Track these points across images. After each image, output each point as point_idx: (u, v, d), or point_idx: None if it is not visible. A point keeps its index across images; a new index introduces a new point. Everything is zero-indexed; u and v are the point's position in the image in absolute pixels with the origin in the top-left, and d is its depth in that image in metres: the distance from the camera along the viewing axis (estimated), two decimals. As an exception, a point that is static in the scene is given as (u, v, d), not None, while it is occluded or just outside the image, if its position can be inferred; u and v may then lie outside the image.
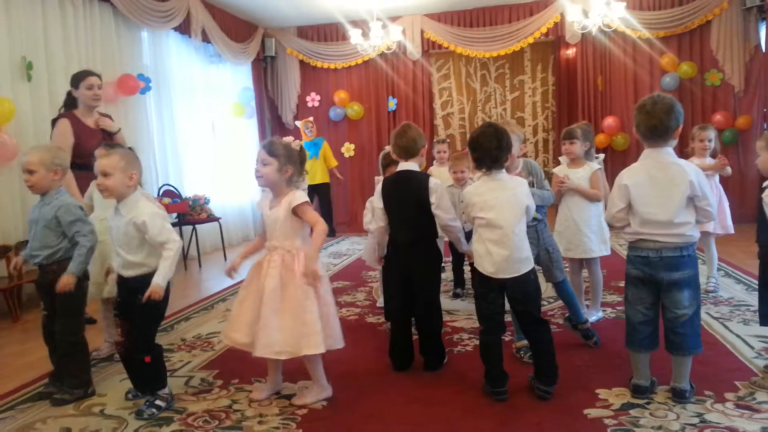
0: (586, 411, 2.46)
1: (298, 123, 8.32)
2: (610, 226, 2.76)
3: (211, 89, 7.88)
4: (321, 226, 2.60)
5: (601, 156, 5.43)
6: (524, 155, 3.26)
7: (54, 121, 3.95)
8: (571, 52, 8.46)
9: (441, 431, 2.37)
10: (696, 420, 2.34)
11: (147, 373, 2.68)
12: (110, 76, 5.78)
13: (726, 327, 3.48)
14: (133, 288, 2.60)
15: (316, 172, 8.07)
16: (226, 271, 2.79)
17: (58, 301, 2.75)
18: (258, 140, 8.71)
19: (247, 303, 2.64)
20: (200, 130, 7.51)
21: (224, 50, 7.72)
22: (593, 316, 3.67)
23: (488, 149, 2.59)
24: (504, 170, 2.67)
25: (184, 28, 6.96)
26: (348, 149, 9.12)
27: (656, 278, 2.47)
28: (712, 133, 4.29)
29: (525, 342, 2.98)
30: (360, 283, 5.20)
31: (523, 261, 2.57)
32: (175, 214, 6.42)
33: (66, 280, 2.67)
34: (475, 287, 2.75)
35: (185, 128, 7.16)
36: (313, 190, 8.10)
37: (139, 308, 2.56)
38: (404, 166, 3.05)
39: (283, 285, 2.56)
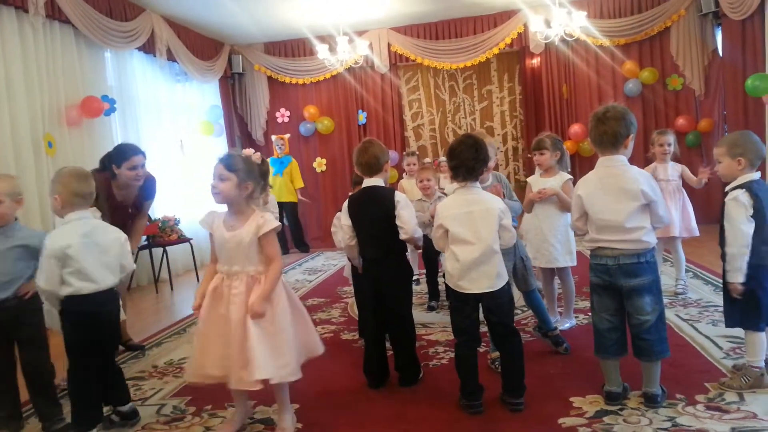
0: (560, 420, 2.47)
1: (273, 138, 8.30)
2: (577, 234, 2.79)
3: (179, 108, 7.81)
4: (278, 264, 2.48)
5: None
6: (495, 167, 3.27)
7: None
8: (535, 61, 8.58)
9: (417, 448, 2.36)
10: (668, 424, 2.37)
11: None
12: (73, 99, 5.69)
13: (695, 328, 3.54)
14: None
15: (277, 189, 8.03)
16: (196, 311, 2.57)
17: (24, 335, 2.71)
18: (228, 158, 8.63)
19: (212, 335, 2.47)
20: (168, 150, 7.42)
21: (190, 68, 7.66)
22: (566, 323, 3.70)
23: (465, 159, 2.59)
24: (479, 183, 2.68)
25: (148, 48, 6.89)
26: (320, 164, 9.11)
27: (616, 285, 2.51)
28: (671, 138, 4.39)
29: (500, 353, 2.98)
30: (335, 299, 5.16)
31: (499, 276, 2.57)
32: (144, 237, 6.31)
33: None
34: (450, 301, 2.75)
35: (153, 148, 7.02)
36: (281, 207, 8.07)
37: None
38: (369, 182, 3.03)
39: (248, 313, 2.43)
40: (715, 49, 7.78)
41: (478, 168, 2.61)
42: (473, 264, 2.54)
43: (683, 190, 4.40)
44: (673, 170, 4.40)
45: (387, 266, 3.00)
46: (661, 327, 2.51)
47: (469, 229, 2.56)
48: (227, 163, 2.46)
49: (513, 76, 9.01)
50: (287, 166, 8.14)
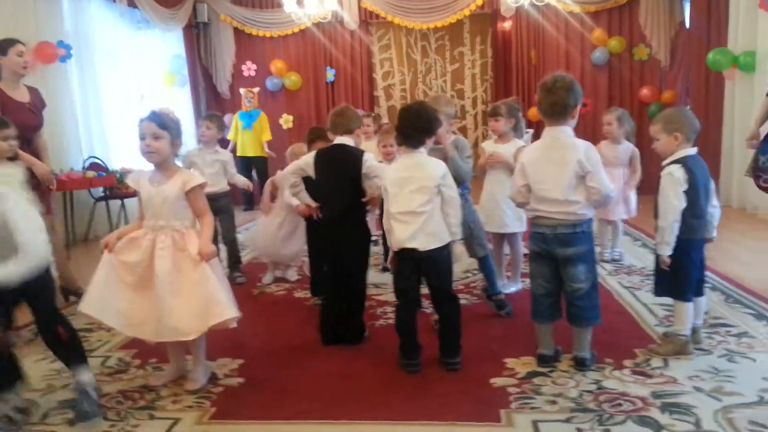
0: (492, 380, 2.57)
1: (242, 90, 8.13)
2: (515, 203, 2.83)
3: (140, 56, 7.58)
4: (209, 217, 2.57)
5: (530, 131, 5.52)
6: (453, 132, 3.28)
7: None
8: (507, 25, 8.54)
9: (353, 404, 2.43)
10: (593, 387, 2.48)
11: (69, 346, 2.48)
12: (27, 44, 5.47)
13: (634, 296, 3.67)
14: None
15: (247, 144, 7.93)
16: (101, 251, 2.53)
17: None
18: (192, 110, 8.46)
19: (116, 283, 2.48)
20: (128, 100, 7.24)
21: (152, 15, 7.42)
22: (512, 287, 3.80)
23: (404, 126, 2.65)
24: (422, 150, 2.69)
25: (108, -8, 6.65)
26: (286, 120, 9.00)
27: (552, 253, 2.58)
28: (610, 116, 4.35)
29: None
30: (292, 257, 5.18)
31: (431, 236, 2.61)
32: (101, 188, 6.22)
33: None
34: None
35: (111, 98, 6.89)
36: (250, 163, 7.99)
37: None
38: (340, 140, 3.08)
39: (176, 267, 2.47)
40: (683, 21, 7.84)
41: (415, 136, 2.65)
42: (405, 224, 2.61)
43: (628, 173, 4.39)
44: (622, 152, 4.32)
45: (347, 227, 3.03)
46: (593, 295, 2.61)
47: (405, 193, 2.62)
48: (159, 121, 2.48)
49: (485, 39, 8.96)
50: (256, 119, 8.02)
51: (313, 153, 3.13)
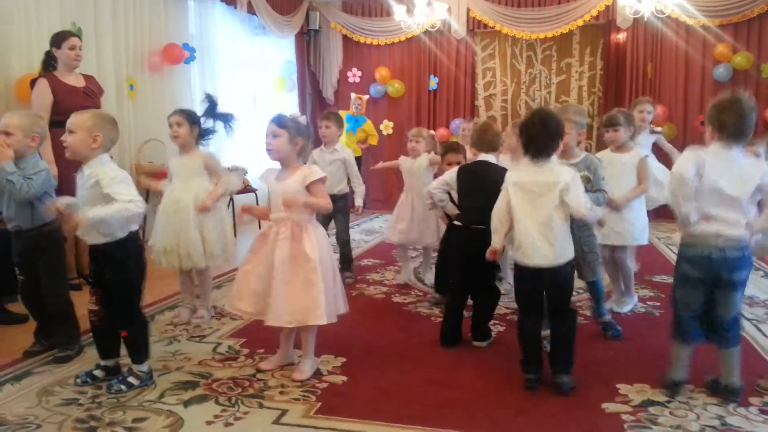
0: (604, 405, 2.45)
1: (352, 95, 8.30)
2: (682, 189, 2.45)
3: (254, 61, 7.93)
4: (329, 200, 2.71)
5: (660, 130, 5.20)
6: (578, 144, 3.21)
7: (33, 82, 4.06)
8: (621, 36, 8.20)
9: (456, 414, 2.40)
10: (716, 422, 2.31)
11: (127, 346, 2.66)
12: (156, 45, 5.89)
13: (759, 329, 3.40)
14: (101, 256, 2.57)
15: (349, 147, 8.09)
16: (239, 212, 2.85)
17: (42, 264, 2.87)
18: (298, 113, 8.77)
19: (253, 274, 2.68)
20: (242, 102, 7.59)
21: (269, 22, 7.75)
22: (628, 305, 3.65)
23: (535, 137, 2.56)
24: (552, 160, 2.59)
25: (230, -1, 7.01)
26: (387, 127, 9.10)
27: (716, 278, 2.39)
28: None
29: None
30: (389, 261, 5.22)
31: (557, 253, 2.51)
32: (213, 183, 6.55)
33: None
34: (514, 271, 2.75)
35: (227, 99, 7.21)
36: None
37: (110, 281, 2.57)
38: (484, 157, 3.22)
39: (292, 257, 2.61)
40: (822, 37, 7.20)
41: (551, 144, 2.55)
42: (530, 235, 2.51)
43: None
44: None
45: (483, 236, 3.01)
46: (740, 319, 2.49)
47: (527, 199, 2.55)
48: (278, 121, 2.67)
49: (596, 51, 8.63)
50: (361, 125, 8.18)
51: (455, 168, 3.30)
